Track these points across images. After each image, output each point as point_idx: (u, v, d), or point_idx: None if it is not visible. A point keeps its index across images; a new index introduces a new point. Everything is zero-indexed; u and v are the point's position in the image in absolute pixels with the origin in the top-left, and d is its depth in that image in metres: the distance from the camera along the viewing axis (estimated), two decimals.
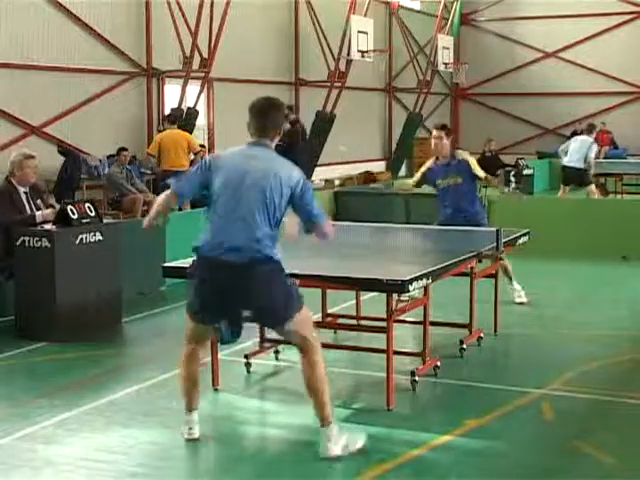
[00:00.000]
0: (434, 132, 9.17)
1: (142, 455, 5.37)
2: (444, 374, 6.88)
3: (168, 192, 5.47)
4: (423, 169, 9.29)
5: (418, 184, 9.36)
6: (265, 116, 5.37)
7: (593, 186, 16.31)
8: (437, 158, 9.15)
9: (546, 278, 10.99)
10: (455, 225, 8.36)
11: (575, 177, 16.12)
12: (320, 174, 22.44)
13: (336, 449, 5.20)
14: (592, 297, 10.03)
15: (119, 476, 5.04)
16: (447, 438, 5.59)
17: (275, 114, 5.41)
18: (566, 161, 16.34)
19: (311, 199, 5.30)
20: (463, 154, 9.20)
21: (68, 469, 5.15)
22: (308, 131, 22.05)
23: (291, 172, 5.27)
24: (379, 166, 26.40)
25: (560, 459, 5.33)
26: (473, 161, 9.16)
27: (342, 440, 5.24)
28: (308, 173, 21.89)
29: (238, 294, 5.14)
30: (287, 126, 15.28)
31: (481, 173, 9.10)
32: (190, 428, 5.52)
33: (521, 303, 9.44)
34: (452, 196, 9.02)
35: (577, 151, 16.11)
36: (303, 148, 16.90)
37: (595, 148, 16.57)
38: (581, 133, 18.97)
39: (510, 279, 9.49)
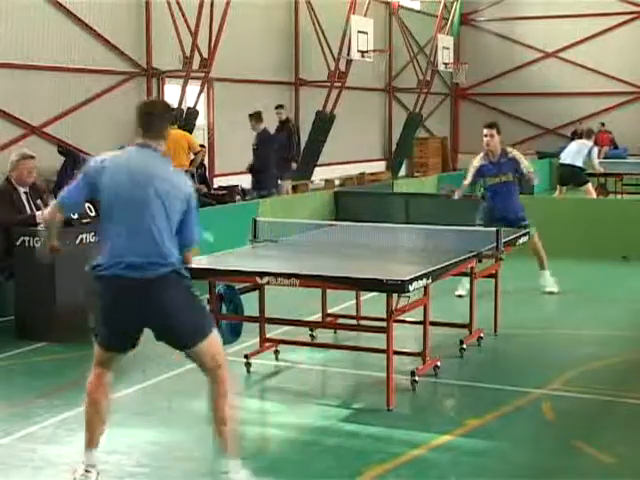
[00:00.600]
0: (485, 130, 9.57)
1: (142, 455, 5.37)
2: (444, 374, 6.88)
3: (51, 209, 4.98)
4: (474, 168, 9.59)
5: (472, 183, 9.72)
6: (152, 116, 5.04)
7: (589, 185, 16.34)
8: (487, 155, 9.53)
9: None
10: (505, 223, 8.78)
11: (570, 176, 16.15)
12: (320, 174, 22.45)
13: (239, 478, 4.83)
14: (592, 297, 10.03)
15: (119, 476, 5.05)
16: (447, 438, 5.59)
17: (162, 115, 5.08)
18: (562, 159, 16.41)
19: (196, 218, 4.92)
20: (513, 151, 9.65)
21: (68, 469, 5.15)
22: (308, 131, 22.07)
23: (185, 181, 4.93)
24: (379, 166, 26.40)
25: (560, 459, 5.33)
26: (522, 157, 9.61)
27: (243, 473, 4.86)
28: (307, 173, 21.90)
29: (143, 313, 4.72)
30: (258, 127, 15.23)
31: (530, 168, 9.58)
32: (87, 470, 4.80)
33: (551, 292, 9.78)
34: (502, 193, 9.45)
35: (575, 151, 16.18)
36: (292, 148, 16.88)
37: (596, 151, 16.66)
38: (581, 134, 19.00)
39: (542, 267, 9.89)
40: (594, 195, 16.30)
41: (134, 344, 4.97)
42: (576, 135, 24.19)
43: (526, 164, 9.60)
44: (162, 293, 4.69)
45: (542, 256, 9.92)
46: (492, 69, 29.89)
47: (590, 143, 16.34)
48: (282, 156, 16.37)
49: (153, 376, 6.94)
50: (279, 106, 16.50)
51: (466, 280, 8.57)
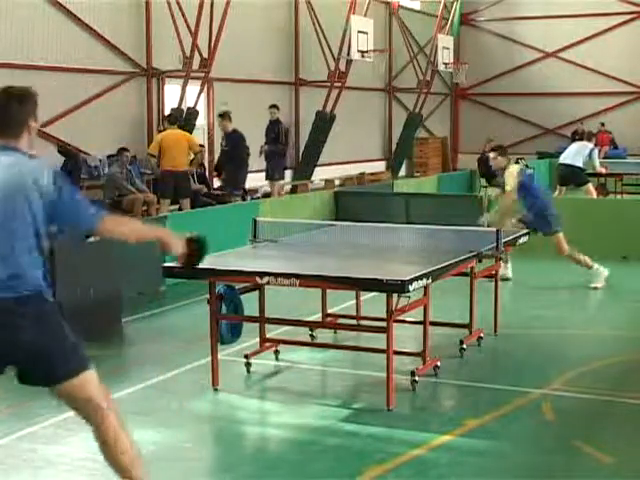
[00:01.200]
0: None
1: (142, 455, 5.36)
2: (444, 374, 6.88)
3: None
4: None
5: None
6: (5, 110, 4.15)
7: (590, 185, 16.34)
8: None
9: (546, 278, 10.99)
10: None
11: (570, 176, 16.14)
12: (320, 174, 22.45)
13: None
14: (592, 297, 10.03)
15: (119, 476, 5.04)
16: (447, 438, 5.59)
17: (17, 107, 4.16)
18: (562, 159, 16.41)
19: (73, 196, 4.24)
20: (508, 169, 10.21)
21: (68, 469, 5.16)
22: (308, 131, 22.07)
23: (40, 173, 4.12)
24: (379, 166, 26.40)
25: (560, 459, 5.33)
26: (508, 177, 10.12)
27: None
28: (307, 173, 21.90)
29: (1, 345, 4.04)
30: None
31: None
32: None
33: (595, 288, 10.09)
34: None
35: (574, 152, 16.18)
36: (283, 149, 16.92)
37: (596, 152, 16.68)
38: (582, 136, 19.01)
39: (589, 267, 10.25)
40: (594, 195, 16.31)
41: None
42: (577, 135, 24.20)
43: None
44: (23, 319, 4.03)
45: (580, 259, 10.24)
46: (492, 69, 29.89)
47: (591, 145, 16.35)
48: (275, 152, 16.42)
49: (153, 376, 6.94)
50: (273, 106, 16.51)
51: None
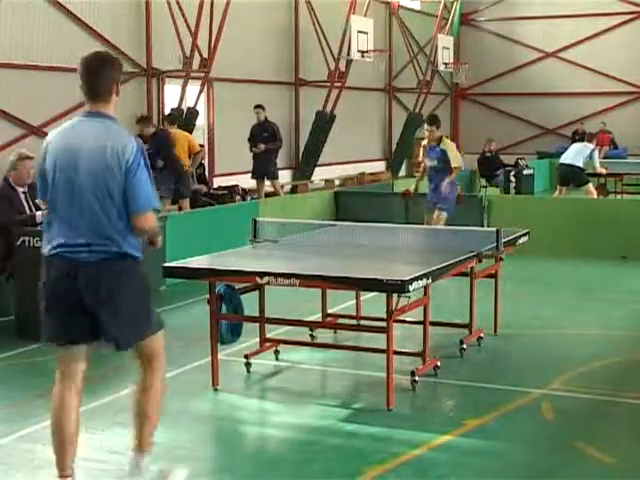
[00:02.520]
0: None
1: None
2: (444, 374, 6.88)
3: (43, 211, 4.67)
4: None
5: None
6: (97, 76, 4.50)
7: (590, 185, 16.33)
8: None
9: (546, 278, 11.00)
10: None
11: (570, 176, 16.13)
12: (320, 174, 22.45)
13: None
14: (592, 297, 10.03)
15: (119, 476, 5.04)
16: (447, 438, 5.59)
17: (109, 71, 4.55)
18: (562, 159, 16.40)
19: (140, 180, 4.40)
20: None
21: None
22: (308, 131, 22.07)
23: (125, 143, 4.41)
24: (379, 166, 26.40)
25: (560, 459, 5.33)
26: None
27: (148, 472, 4.77)
28: (307, 173, 21.90)
29: (90, 298, 4.42)
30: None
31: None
32: None
33: None
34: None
35: (575, 152, 16.17)
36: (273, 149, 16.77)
37: (597, 153, 16.68)
38: (583, 134, 18.99)
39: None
40: (595, 195, 16.31)
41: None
42: (577, 135, 24.20)
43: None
44: (107, 277, 4.40)
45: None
46: (492, 69, 29.88)
47: (592, 146, 16.35)
48: (273, 151, 16.32)
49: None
50: (258, 106, 16.33)
51: None
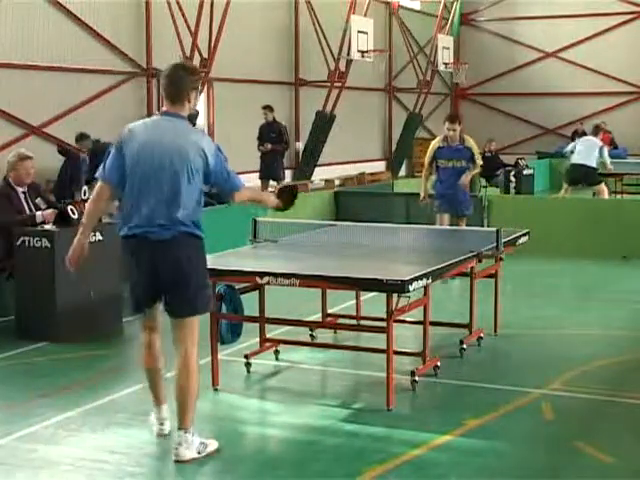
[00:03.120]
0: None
1: (142, 455, 5.37)
2: (444, 374, 6.88)
3: (97, 190, 5.26)
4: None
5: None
6: (175, 81, 5.23)
7: (602, 185, 16.18)
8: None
9: (546, 278, 11.00)
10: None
11: (583, 175, 15.95)
12: (320, 174, 22.45)
13: (189, 453, 5.23)
14: (592, 297, 10.03)
15: (119, 476, 5.05)
16: (447, 438, 5.59)
17: (186, 78, 5.24)
18: (574, 159, 16.17)
19: (224, 166, 5.37)
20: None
21: (68, 469, 5.16)
22: (308, 131, 22.07)
23: (201, 141, 5.22)
24: (379, 166, 26.40)
25: (560, 459, 5.33)
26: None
27: (195, 444, 5.28)
28: (307, 173, 21.91)
29: (161, 270, 5.14)
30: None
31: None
32: (161, 424, 5.57)
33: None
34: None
35: (586, 151, 15.98)
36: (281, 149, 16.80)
37: (606, 150, 16.51)
38: (582, 134, 18.89)
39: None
40: (606, 195, 16.13)
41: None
42: (577, 135, 24.16)
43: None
44: (178, 250, 5.13)
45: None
46: (492, 69, 29.89)
47: (599, 141, 16.19)
48: (278, 152, 16.37)
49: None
50: (267, 107, 16.44)
51: None
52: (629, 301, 9.79)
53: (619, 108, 28.65)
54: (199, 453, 5.26)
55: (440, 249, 7.29)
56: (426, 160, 11.08)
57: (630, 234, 12.25)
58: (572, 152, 16.42)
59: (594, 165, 15.93)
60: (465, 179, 10.70)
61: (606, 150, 16.57)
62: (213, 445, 5.39)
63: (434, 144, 11.05)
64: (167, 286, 5.19)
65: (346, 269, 6.47)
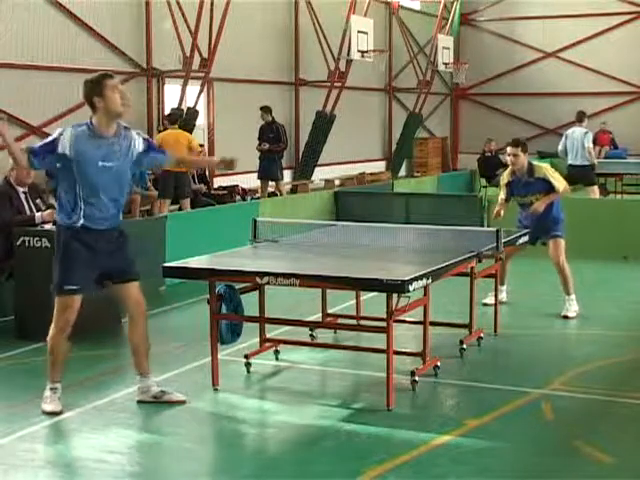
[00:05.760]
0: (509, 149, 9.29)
1: (142, 455, 5.37)
2: (444, 374, 6.88)
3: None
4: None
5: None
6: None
7: (595, 187, 16.24)
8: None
9: (546, 278, 10.98)
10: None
11: (581, 176, 15.95)
12: (320, 174, 22.45)
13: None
14: (592, 297, 10.02)
15: (119, 476, 5.05)
16: (447, 438, 5.59)
17: (83, 89, 6.26)
18: (570, 160, 16.16)
19: (154, 148, 6.41)
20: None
21: (68, 469, 5.16)
22: (308, 131, 22.06)
23: (135, 137, 6.39)
24: (379, 166, 26.40)
25: (560, 459, 5.33)
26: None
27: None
28: (307, 173, 21.90)
29: (108, 256, 6.12)
30: None
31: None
32: (59, 398, 6.10)
33: (565, 317, 8.90)
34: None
35: (576, 148, 15.96)
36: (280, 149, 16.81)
37: (590, 137, 16.27)
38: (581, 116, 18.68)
39: (567, 292, 9.06)
40: (597, 195, 16.22)
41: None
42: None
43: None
44: (119, 239, 6.24)
45: (567, 276, 9.10)
46: (492, 69, 29.88)
47: (583, 129, 15.99)
48: (277, 152, 16.41)
49: (153, 376, 6.93)
50: (264, 108, 16.47)
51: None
52: (629, 301, 9.80)
53: (619, 108, 28.64)
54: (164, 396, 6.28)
55: (440, 249, 7.29)
56: (500, 195, 9.68)
57: (630, 234, 12.25)
58: (565, 152, 16.30)
59: (587, 163, 15.90)
60: (537, 207, 9.11)
61: (590, 136, 16.29)
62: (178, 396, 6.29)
63: (503, 179, 9.64)
64: (115, 268, 6.35)
65: (346, 269, 6.47)
